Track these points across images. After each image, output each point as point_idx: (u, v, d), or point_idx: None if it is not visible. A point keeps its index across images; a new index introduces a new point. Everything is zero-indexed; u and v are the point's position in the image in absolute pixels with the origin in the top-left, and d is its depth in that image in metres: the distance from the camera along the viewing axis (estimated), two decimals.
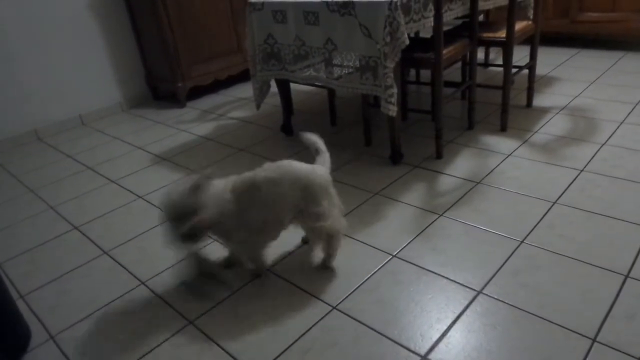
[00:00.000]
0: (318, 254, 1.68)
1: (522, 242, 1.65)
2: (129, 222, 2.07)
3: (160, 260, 1.78)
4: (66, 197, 2.37)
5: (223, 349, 1.36)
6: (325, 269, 1.63)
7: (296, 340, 1.36)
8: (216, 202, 1.41)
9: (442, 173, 2.15)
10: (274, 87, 2.68)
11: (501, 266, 1.54)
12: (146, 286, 1.66)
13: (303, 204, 1.48)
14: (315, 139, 1.61)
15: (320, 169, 1.54)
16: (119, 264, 1.80)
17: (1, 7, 2.89)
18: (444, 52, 2.11)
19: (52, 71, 3.19)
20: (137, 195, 2.29)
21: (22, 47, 3.03)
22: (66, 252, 1.92)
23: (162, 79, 3.56)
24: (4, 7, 2.90)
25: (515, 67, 2.56)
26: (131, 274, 1.74)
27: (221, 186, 1.46)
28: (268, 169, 1.49)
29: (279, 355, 1.32)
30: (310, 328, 1.39)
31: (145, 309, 1.56)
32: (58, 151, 2.98)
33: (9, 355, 1.39)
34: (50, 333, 1.51)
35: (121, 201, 2.26)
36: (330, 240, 1.57)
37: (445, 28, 2.14)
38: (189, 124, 3.18)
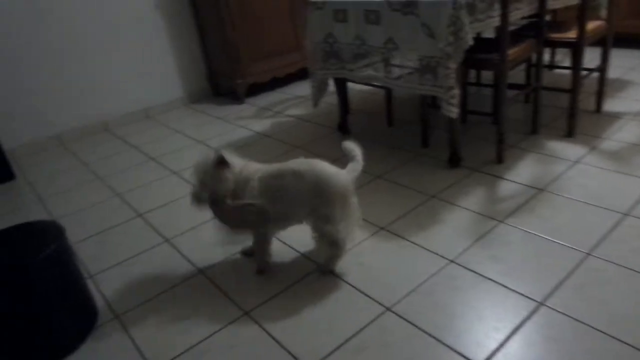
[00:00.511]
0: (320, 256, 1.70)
1: (588, 254, 1.57)
2: (190, 213, 2.14)
3: (217, 251, 1.84)
4: (131, 185, 2.50)
5: (277, 342, 1.39)
6: (323, 274, 1.64)
7: (349, 339, 1.36)
8: (239, 182, 1.53)
9: (503, 178, 2.09)
10: (331, 86, 2.69)
11: (565, 278, 1.48)
12: (204, 275, 1.72)
13: (317, 202, 1.51)
14: (353, 147, 1.61)
15: (345, 176, 1.55)
16: (179, 252, 1.88)
17: (75, 3, 3.07)
18: (510, 52, 2.04)
19: (121, 66, 3.36)
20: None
21: (94, 43, 3.21)
22: (131, 237, 2.02)
23: (223, 75, 3.67)
24: (78, 3, 3.08)
25: (584, 69, 2.44)
26: (190, 262, 1.80)
27: (240, 166, 1.56)
28: (298, 162, 1.55)
29: (332, 352, 1.33)
30: (364, 328, 1.39)
31: (203, 296, 1.61)
32: (125, 142, 3.13)
33: (80, 330, 1.48)
34: (116, 313, 1.59)
35: (182, 192, 2.35)
36: (331, 247, 1.58)
37: (509, 28, 2.07)
38: (247, 120, 3.25)
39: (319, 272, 1.65)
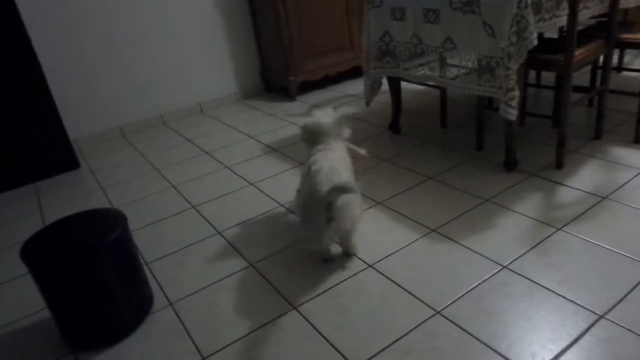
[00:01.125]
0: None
1: None
2: (240, 206, 2.20)
3: (267, 246, 1.87)
4: (186, 177, 2.58)
5: (325, 338, 1.40)
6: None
7: (397, 340, 1.35)
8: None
9: (562, 184, 2.00)
10: (384, 85, 2.67)
11: (630, 291, 1.40)
12: (254, 268, 1.75)
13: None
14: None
15: (322, 188, 1.50)
16: (231, 244, 1.92)
17: (138, 1, 3.20)
18: (576, 53, 1.95)
19: (178, 62, 3.48)
20: (249, 182, 2.42)
21: (154, 39, 3.34)
22: (185, 228, 2.09)
23: (276, 72, 3.72)
24: (141, 1, 3.21)
25: None
26: (241, 255, 1.84)
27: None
28: (320, 157, 1.67)
29: (379, 352, 1.32)
30: (413, 330, 1.38)
31: (253, 289, 1.65)
32: (180, 135, 3.24)
33: (136, 314, 1.55)
34: (170, 300, 1.65)
35: (234, 186, 2.40)
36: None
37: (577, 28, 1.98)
38: (299, 117, 3.28)
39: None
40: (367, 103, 2.69)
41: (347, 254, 1.74)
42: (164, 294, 1.69)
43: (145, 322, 1.57)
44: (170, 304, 1.64)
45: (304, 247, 1.72)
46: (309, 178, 1.58)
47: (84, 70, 3.13)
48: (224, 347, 1.42)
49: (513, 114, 1.96)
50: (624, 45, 2.28)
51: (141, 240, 2.05)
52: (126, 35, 3.21)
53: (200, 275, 1.76)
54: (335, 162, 1.64)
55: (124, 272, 1.48)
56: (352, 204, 1.55)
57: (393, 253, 1.72)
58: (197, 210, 2.23)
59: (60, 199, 2.54)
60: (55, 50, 2.99)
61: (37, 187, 2.74)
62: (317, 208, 1.51)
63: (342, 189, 1.47)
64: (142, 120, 3.45)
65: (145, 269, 1.84)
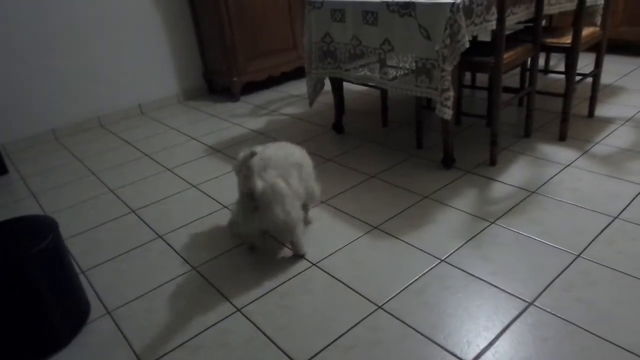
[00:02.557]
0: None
1: (578, 255, 1.59)
2: (182, 209, 2.15)
3: (211, 248, 1.84)
4: (125, 181, 2.49)
5: (269, 339, 1.39)
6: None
7: (341, 336, 1.37)
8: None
9: (496, 180, 2.11)
10: (327, 86, 2.71)
11: (555, 279, 1.50)
12: (197, 272, 1.72)
13: None
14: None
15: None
16: (172, 248, 1.88)
17: None
18: (505, 56, 2.06)
19: (116, 61, 3.35)
20: (191, 184, 2.37)
21: (90, 38, 3.20)
22: (124, 233, 2.02)
23: (219, 73, 3.67)
24: None
25: (578, 74, 2.47)
26: (183, 259, 1.80)
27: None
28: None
29: (323, 349, 1.33)
30: (355, 325, 1.40)
31: (195, 293, 1.62)
32: (119, 138, 3.12)
33: (71, 325, 1.48)
34: (107, 308, 1.59)
35: (176, 188, 2.35)
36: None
37: (505, 32, 2.09)
38: (242, 118, 3.25)
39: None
40: (311, 103, 2.71)
41: (296, 256, 1.75)
42: (102, 302, 1.63)
43: (82, 332, 1.50)
44: (108, 312, 1.58)
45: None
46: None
47: (12, 68, 2.95)
48: (165, 354, 1.38)
49: (448, 114, 2.04)
50: (549, 49, 2.43)
51: (76, 247, 1.96)
52: (60, 34, 3.06)
53: (139, 281, 1.71)
54: (273, 160, 1.66)
55: (56, 282, 1.41)
56: (278, 196, 1.58)
57: (337, 251, 1.75)
58: (136, 214, 2.16)
59: None
60: None
61: None
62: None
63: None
64: (77, 123, 3.29)
65: (81, 277, 1.76)
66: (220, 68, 3.60)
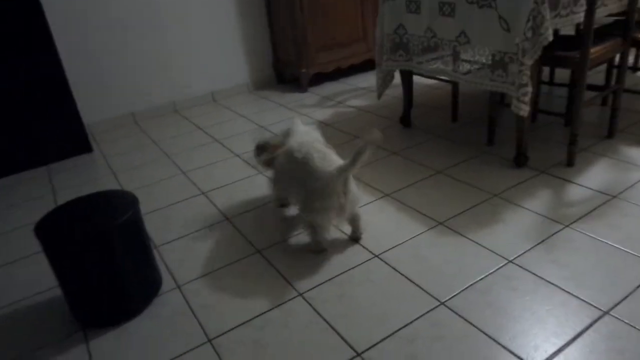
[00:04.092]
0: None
1: None
2: (249, 194, 2.22)
3: (275, 233, 1.89)
4: (196, 164, 2.60)
5: (329, 325, 1.41)
6: (314, 252, 1.75)
7: (401, 328, 1.36)
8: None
9: (572, 182, 2.00)
10: (396, 79, 2.67)
11: (635, 289, 1.40)
12: (261, 254, 1.77)
13: (302, 190, 1.69)
14: (361, 150, 1.55)
15: (328, 173, 1.60)
16: (239, 231, 1.94)
17: None
18: (592, 51, 1.93)
19: (191, 51, 3.50)
20: (258, 171, 2.44)
21: (168, 28, 3.35)
22: (194, 214, 2.11)
23: (288, 64, 3.72)
24: None
25: None
26: (249, 242, 1.86)
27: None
28: (299, 143, 1.76)
29: (383, 339, 1.33)
30: (417, 319, 1.39)
31: (260, 275, 1.67)
32: (192, 123, 3.27)
33: (145, 295, 1.57)
34: (178, 283, 1.68)
35: (243, 174, 2.42)
36: (308, 231, 1.74)
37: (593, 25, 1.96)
38: (309, 108, 3.29)
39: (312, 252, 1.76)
40: (379, 96, 2.69)
41: (354, 238, 1.77)
42: (172, 276, 1.72)
43: (154, 303, 1.59)
44: (178, 286, 1.66)
45: (311, 236, 1.73)
46: (299, 167, 1.67)
47: (98, 56, 3.16)
48: (229, 330, 1.44)
49: (525, 110, 1.95)
50: None
51: (151, 224, 2.08)
52: (141, 21, 3.23)
53: (208, 259, 1.79)
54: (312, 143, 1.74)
55: (135, 253, 1.51)
56: (350, 179, 1.65)
57: (399, 244, 1.73)
58: (206, 196, 2.25)
59: (72, 182, 2.58)
60: (69, 36, 3.02)
61: (49, 169, 2.78)
62: (333, 187, 1.60)
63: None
64: (154, 107, 3.48)
65: (155, 252, 1.87)
66: (290, 59, 3.65)
